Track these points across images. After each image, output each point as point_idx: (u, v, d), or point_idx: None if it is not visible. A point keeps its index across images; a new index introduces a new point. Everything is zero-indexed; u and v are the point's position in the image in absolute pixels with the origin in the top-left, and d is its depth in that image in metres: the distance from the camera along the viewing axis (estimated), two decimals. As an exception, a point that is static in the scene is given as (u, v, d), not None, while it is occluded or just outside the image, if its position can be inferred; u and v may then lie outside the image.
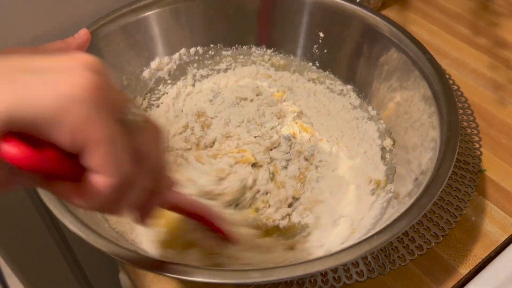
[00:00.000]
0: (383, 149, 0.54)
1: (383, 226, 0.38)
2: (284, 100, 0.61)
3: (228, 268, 0.41)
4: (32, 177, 0.24)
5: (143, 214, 0.29)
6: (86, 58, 0.23)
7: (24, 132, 0.21)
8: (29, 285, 0.71)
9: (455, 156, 0.42)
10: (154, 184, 0.27)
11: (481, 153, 0.58)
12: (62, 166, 0.22)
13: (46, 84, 0.21)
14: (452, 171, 0.56)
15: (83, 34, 0.49)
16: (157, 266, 0.35)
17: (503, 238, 0.51)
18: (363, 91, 0.58)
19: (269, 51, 0.63)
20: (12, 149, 0.20)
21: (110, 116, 0.23)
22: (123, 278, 0.60)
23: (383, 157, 0.53)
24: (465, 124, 0.61)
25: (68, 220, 0.37)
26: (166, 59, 0.60)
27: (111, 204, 0.24)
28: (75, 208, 0.39)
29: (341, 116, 0.59)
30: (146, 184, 0.26)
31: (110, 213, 0.26)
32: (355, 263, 0.48)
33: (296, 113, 0.59)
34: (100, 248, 0.36)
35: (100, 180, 0.23)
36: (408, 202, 0.40)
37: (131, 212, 0.28)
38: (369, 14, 0.56)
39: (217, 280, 0.33)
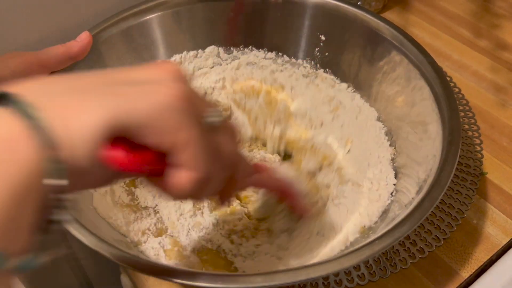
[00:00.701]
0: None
1: (385, 230, 0.38)
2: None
3: (229, 273, 0.41)
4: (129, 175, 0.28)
5: (223, 198, 0.34)
6: (173, 68, 0.27)
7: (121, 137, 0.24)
8: (31, 286, 0.71)
9: (457, 160, 0.42)
10: (232, 174, 0.31)
11: (482, 156, 0.58)
12: (155, 165, 0.26)
13: (142, 94, 0.24)
14: (454, 174, 0.56)
15: (84, 37, 0.50)
16: (158, 271, 0.35)
17: (504, 241, 0.51)
18: (365, 93, 0.58)
19: (270, 54, 0.63)
20: (119, 155, 0.24)
21: (195, 120, 0.26)
22: (124, 280, 0.60)
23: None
24: (466, 126, 0.61)
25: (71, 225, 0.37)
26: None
27: (194, 193, 0.28)
28: (76, 212, 0.40)
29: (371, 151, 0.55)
30: (224, 175, 0.30)
31: (193, 199, 0.33)
32: (356, 267, 0.48)
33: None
34: (101, 252, 0.36)
35: (186, 175, 0.27)
36: (410, 206, 0.40)
37: (212, 197, 0.33)
38: (370, 17, 0.56)
39: (218, 285, 0.33)
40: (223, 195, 0.34)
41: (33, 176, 0.21)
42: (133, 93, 0.24)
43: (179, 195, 0.28)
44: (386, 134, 0.55)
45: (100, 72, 0.26)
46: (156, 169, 0.26)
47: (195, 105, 0.27)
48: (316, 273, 0.34)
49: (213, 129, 0.28)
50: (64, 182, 0.22)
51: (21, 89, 0.22)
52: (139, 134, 0.24)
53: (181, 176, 0.27)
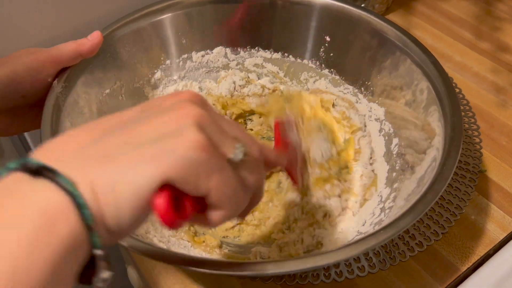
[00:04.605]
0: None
1: (389, 221, 0.39)
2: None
3: (239, 261, 0.43)
4: None
5: (243, 215, 0.34)
6: (194, 112, 0.27)
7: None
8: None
9: (459, 154, 0.43)
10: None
11: (481, 154, 0.60)
12: (192, 210, 0.28)
13: (169, 154, 0.25)
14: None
15: (96, 36, 0.50)
16: (170, 258, 0.36)
17: (501, 236, 0.52)
18: (369, 93, 0.60)
19: (276, 54, 0.65)
20: (161, 207, 0.25)
21: (220, 163, 0.28)
22: (131, 272, 0.61)
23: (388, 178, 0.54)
24: (466, 126, 0.63)
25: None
26: (178, 61, 0.62)
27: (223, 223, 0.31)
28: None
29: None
30: (248, 199, 0.32)
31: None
32: (356, 259, 0.50)
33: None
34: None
35: (218, 213, 0.29)
36: (413, 199, 0.42)
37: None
38: (375, 18, 0.57)
39: (229, 272, 0.35)
40: (243, 213, 0.34)
41: (71, 247, 0.23)
42: (161, 153, 0.25)
43: (210, 226, 0.31)
44: (389, 131, 0.56)
45: (117, 125, 0.27)
46: (194, 213, 0.29)
47: (216, 146, 0.28)
48: (323, 261, 0.36)
49: (237, 164, 0.29)
50: (99, 251, 0.24)
51: (55, 158, 0.25)
52: (178, 186, 0.26)
53: (214, 214, 0.29)
